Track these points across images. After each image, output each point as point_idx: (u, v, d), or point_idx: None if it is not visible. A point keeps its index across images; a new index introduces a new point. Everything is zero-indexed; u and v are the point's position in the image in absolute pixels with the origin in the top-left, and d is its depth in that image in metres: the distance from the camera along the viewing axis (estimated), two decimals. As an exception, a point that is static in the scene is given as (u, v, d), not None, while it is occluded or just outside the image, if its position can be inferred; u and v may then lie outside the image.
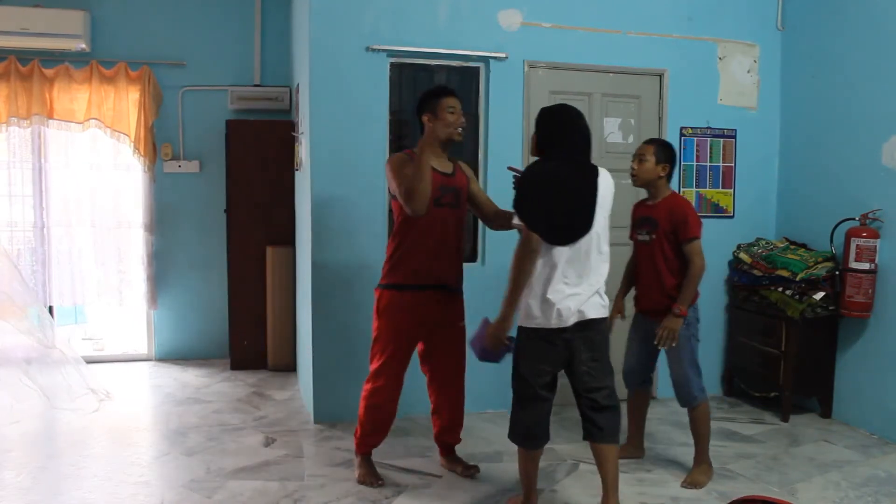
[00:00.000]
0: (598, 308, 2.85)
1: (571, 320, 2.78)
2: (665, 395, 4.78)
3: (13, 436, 3.93)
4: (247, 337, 5.42)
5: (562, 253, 2.76)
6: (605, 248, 2.87)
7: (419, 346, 3.41)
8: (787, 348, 4.35)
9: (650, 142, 3.51)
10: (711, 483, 3.46)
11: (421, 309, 3.22)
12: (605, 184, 2.86)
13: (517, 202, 2.78)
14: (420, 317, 3.24)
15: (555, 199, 2.74)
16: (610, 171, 4.67)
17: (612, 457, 2.91)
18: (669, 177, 3.47)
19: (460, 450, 3.64)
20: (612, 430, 2.90)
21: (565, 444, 3.92)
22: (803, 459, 3.80)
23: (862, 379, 4.26)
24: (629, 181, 4.59)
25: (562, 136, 2.86)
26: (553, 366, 2.87)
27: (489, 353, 2.93)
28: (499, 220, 3.36)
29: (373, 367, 3.34)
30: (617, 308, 3.60)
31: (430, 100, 3.19)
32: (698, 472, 3.46)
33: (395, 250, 3.24)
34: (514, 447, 3.27)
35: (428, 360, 3.44)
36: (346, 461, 3.65)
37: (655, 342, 3.36)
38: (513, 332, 2.93)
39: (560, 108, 2.96)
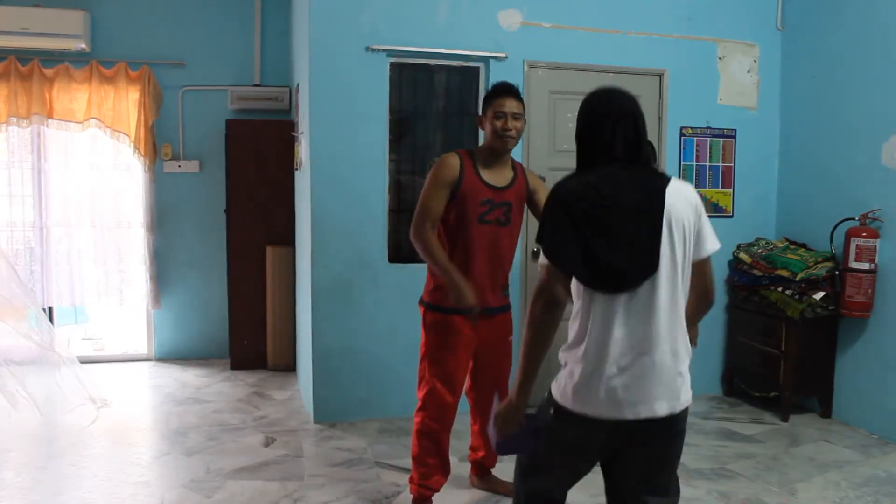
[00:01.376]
0: (674, 395, 1.87)
1: (629, 413, 1.83)
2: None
3: (13, 436, 3.92)
4: (247, 337, 5.42)
5: (612, 304, 1.82)
6: (681, 302, 1.88)
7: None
8: (787, 348, 4.36)
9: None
10: (711, 483, 3.46)
11: (471, 332, 2.92)
12: (680, 199, 1.87)
13: (539, 232, 1.92)
14: (469, 340, 2.93)
15: (597, 226, 1.82)
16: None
17: None
18: None
19: (464, 451, 3.64)
20: None
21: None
22: (803, 459, 3.80)
23: (862, 379, 4.26)
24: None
25: (600, 133, 1.94)
26: (590, 464, 1.99)
27: (506, 442, 2.05)
28: None
29: (420, 393, 2.98)
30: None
31: (487, 100, 2.89)
32: None
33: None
34: (515, 448, 3.24)
35: (473, 381, 3.09)
36: (346, 461, 3.65)
37: None
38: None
39: (600, 93, 2.06)
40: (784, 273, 4.37)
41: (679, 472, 3.41)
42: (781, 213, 4.92)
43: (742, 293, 4.71)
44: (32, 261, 5.40)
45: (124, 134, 5.37)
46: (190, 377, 5.23)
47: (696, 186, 4.79)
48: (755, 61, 4.85)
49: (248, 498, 3.22)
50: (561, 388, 1.92)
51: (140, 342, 5.82)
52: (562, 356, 1.93)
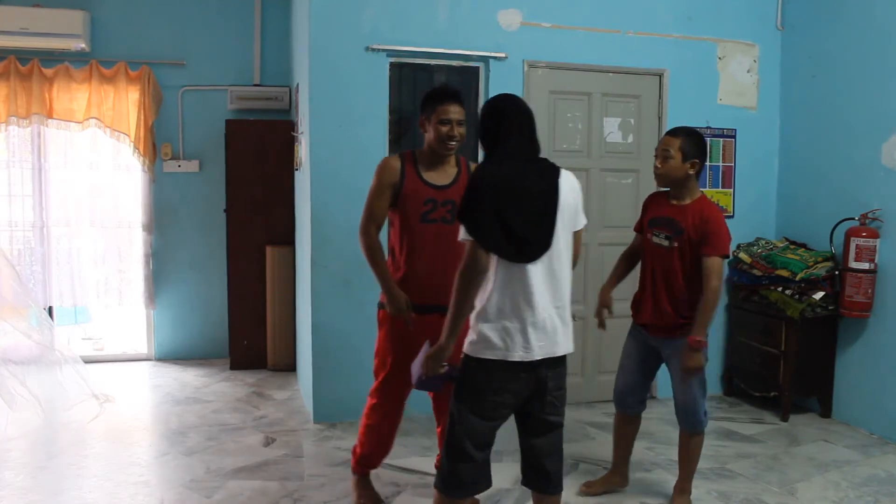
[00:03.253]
0: (567, 342, 2.39)
1: (539, 354, 2.30)
2: (664, 395, 4.79)
3: (13, 436, 3.92)
4: (247, 337, 5.42)
5: (523, 272, 2.27)
6: (569, 267, 2.41)
7: None
8: (786, 348, 4.36)
9: (675, 133, 3.00)
10: (711, 483, 3.46)
11: (421, 331, 2.87)
12: (569, 187, 2.37)
13: (462, 213, 2.28)
14: (420, 337, 2.85)
15: (511, 207, 2.26)
16: (609, 171, 4.65)
17: None
18: (699, 174, 3.01)
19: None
20: (560, 478, 2.51)
21: (565, 444, 3.91)
22: (803, 459, 3.80)
23: (862, 379, 4.26)
24: (629, 181, 4.66)
25: (509, 129, 2.35)
26: (515, 399, 2.37)
27: (427, 380, 2.48)
28: None
29: (374, 386, 3.11)
30: (603, 302, 3.19)
31: (428, 103, 2.89)
32: (680, 502, 3.18)
33: (395, 269, 2.97)
34: (514, 446, 3.24)
35: None
36: (345, 461, 3.64)
37: (681, 381, 2.99)
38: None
39: (504, 97, 2.47)
40: (784, 273, 4.37)
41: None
42: (781, 213, 4.92)
43: (742, 293, 4.71)
44: (33, 261, 5.40)
45: (124, 134, 5.37)
46: (190, 377, 5.23)
47: (696, 186, 4.79)
48: (755, 61, 4.85)
49: (247, 498, 3.22)
50: (486, 345, 2.30)
51: (140, 342, 5.82)
52: (477, 319, 2.32)
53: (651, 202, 3.20)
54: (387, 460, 3.60)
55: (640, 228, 3.22)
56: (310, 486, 3.36)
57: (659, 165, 3.00)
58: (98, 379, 4.65)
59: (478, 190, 2.26)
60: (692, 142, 2.97)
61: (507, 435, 3.95)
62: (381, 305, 3.04)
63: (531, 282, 2.27)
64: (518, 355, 2.28)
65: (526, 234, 2.26)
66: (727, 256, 2.96)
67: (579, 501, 3.26)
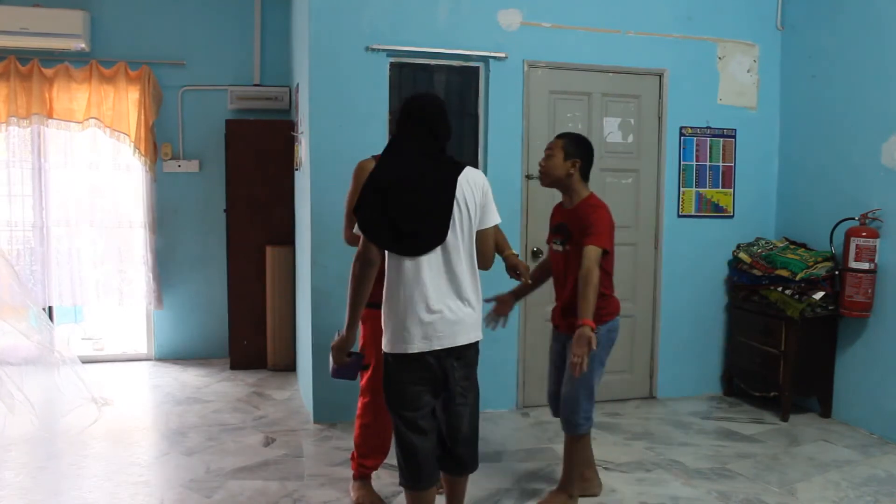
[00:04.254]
0: (470, 331, 2.46)
1: (438, 345, 2.39)
2: (664, 394, 4.80)
3: (13, 436, 3.92)
4: (247, 337, 5.42)
5: (417, 265, 2.36)
6: (470, 262, 2.45)
7: None
8: (786, 348, 4.36)
9: (560, 136, 3.12)
10: (711, 483, 3.46)
11: None
12: (470, 184, 2.42)
13: (355, 208, 2.42)
14: None
15: (398, 203, 2.35)
16: (608, 171, 4.64)
17: (463, 488, 2.67)
18: (585, 175, 3.06)
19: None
20: (473, 460, 2.61)
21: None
22: (803, 459, 3.80)
23: (862, 379, 4.26)
24: (629, 181, 4.66)
25: (409, 127, 2.46)
26: (429, 387, 2.46)
27: (338, 370, 2.60)
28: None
29: (363, 382, 3.12)
30: (499, 299, 3.17)
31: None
32: (556, 498, 3.11)
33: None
34: (514, 447, 3.28)
35: None
36: (345, 461, 3.64)
37: (569, 378, 2.95)
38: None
39: (414, 96, 2.57)
40: (784, 273, 4.37)
41: (679, 471, 3.41)
42: (781, 213, 4.92)
43: (742, 293, 4.71)
44: (33, 261, 5.40)
45: (124, 134, 5.37)
46: (190, 377, 5.23)
47: (697, 186, 4.79)
48: (755, 61, 4.85)
49: (247, 498, 3.22)
50: (392, 339, 2.42)
51: (140, 342, 5.82)
52: (384, 315, 2.45)
53: (552, 214, 3.26)
54: (386, 460, 3.60)
55: (548, 240, 3.26)
56: (310, 486, 3.36)
57: (542, 164, 3.10)
58: (97, 381, 4.63)
59: (368, 186, 2.39)
60: (575, 143, 3.07)
61: (507, 435, 3.96)
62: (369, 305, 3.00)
63: (424, 276, 2.36)
64: (417, 346, 2.38)
65: (413, 230, 2.35)
66: (605, 250, 2.92)
67: (585, 502, 3.25)
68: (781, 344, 4.38)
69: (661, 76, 4.66)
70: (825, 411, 4.46)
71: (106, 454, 3.76)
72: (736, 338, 4.78)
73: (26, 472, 3.49)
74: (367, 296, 2.46)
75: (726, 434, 4.17)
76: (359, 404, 3.16)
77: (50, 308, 5.48)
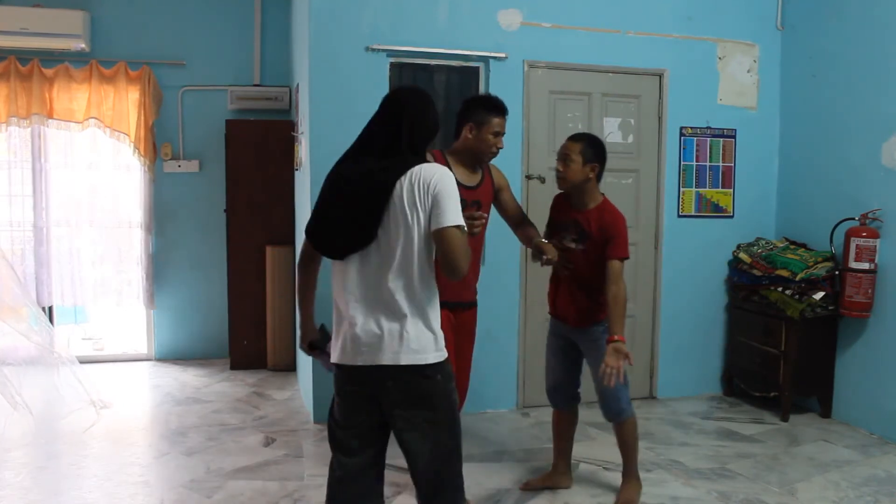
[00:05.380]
0: (397, 352, 2.08)
1: (360, 361, 2.11)
2: (664, 395, 4.80)
3: (13, 436, 3.92)
4: (247, 337, 5.42)
5: (345, 269, 2.15)
6: (404, 271, 2.08)
7: None
8: (786, 348, 4.35)
9: (576, 138, 3.09)
10: (711, 483, 3.46)
11: (450, 326, 2.96)
12: (415, 184, 2.07)
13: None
14: (447, 326, 2.84)
15: (326, 200, 2.23)
16: (608, 171, 4.62)
17: None
18: (599, 178, 3.09)
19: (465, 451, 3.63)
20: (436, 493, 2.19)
21: (565, 444, 3.93)
22: (803, 459, 3.80)
23: (862, 379, 4.26)
24: (629, 181, 4.66)
25: (371, 122, 2.25)
26: (360, 405, 2.18)
27: (319, 360, 2.48)
28: (520, 230, 3.24)
29: None
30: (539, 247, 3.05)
31: (480, 112, 2.99)
32: (629, 489, 3.20)
33: None
34: (514, 447, 3.27)
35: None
36: (345, 461, 3.65)
37: (599, 376, 2.92)
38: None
39: (389, 94, 2.33)
40: (784, 273, 4.37)
41: (679, 471, 3.39)
42: (781, 213, 4.92)
43: (742, 293, 4.71)
44: (33, 261, 5.40)
45: (124, 134, 5.37)
46: (190, 377, 5.23)
47: (697, 186, 4.79)
48: (755, 61, 4.85)
49: (248, 498, 3.22)
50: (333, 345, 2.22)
51: (140, 342, 5.82)
52: None
53: (556, 206, 3.26)
54: (387, 460, 3.60)
55: (552, 235, 3.23)
56: (310, 486, 3.36)
57: (560, 169, 3.06)
58: (96, 382, 4.61)
59: (322, 185, 2.28)
60: (592, 146, 3.05)
61: (507, 435, 3.96)
62: None
63: (350, 282, 2.14)
64: (338, 357, 2.16)
65: (332, 229, 2.18)
66: (626, 257, 3.02)
67: (585, 501, 3.25)
68: (781, 344, 4.37)
69: (661, 76, 4.66)
70: (825, 411, 4.46)
71: (106, 454, 3.76)
72: (736, 338, 4.78)
73: (26, 473, 3.49)
74: (306, 292, 2.38)
75: (726, 434, 4.17)
76: None
77: (50, 308, 5.49)
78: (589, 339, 3.12)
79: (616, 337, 2.88)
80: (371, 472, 2.22)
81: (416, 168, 2.10)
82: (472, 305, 3.23)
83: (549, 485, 3.35)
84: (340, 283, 2.16)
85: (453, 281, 2.17)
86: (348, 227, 2.13)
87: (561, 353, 3.26)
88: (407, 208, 2.07)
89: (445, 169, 2.15)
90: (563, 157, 3.04)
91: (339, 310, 2.18)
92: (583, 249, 3.05)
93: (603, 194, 3.14)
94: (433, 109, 2.25)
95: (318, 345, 2.42)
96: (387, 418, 2.15)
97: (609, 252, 2.97)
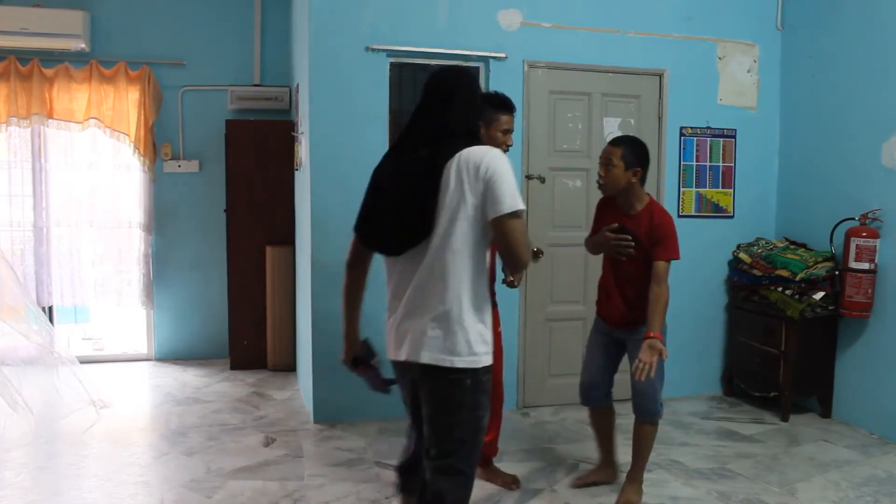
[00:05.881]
0: (434, 351, 1.99)
1: (402, 356, 2.08)
2: (664, 394, 4.77)
3: (13, 436, 3.92)
4: (247, 337, 5.42)
5: (395, 263, 2.09)
6: (456, 266, 1.97)
7: None
8: (786, 348, 4.35)
9: (617, 142, 3.07)
10: (711, 483, 3.46)
11: None
12: (461, 168, 1.96)
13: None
14: None
15: (374, 194, 2.17)
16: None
17: None
18: (643, 180, 3.09)
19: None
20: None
21: (565, 445, 3.93)
22: (803, 459, 3.80)
23: (862, 379, 4.26)
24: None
25: (415, 111, 2.16)
26: (407, 396, 2.23)
27: (368, 383, 2.37)
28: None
29: None
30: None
31: (488, 110, 2.95)
32: (631, 491, 3.21)
33: None
34: (514, 447, 3.26)
35: None
36: (346, 461, 3.65)
37: (633, 371, 2.92)
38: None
39: (431, 75, 2.19)
40: (784, 273, 4.37)
41: (679, 471, 3.38)
42: (781, 213, 4.92)
43: (742, 293, 4.71)
44: (34, 261, 5.40)
45: (124, 134, 5.37)
46: (190, 377, 5.23)
47: (697, 186, 4.79)
48: (755, 61, 4.85)
49: (248, 498, 3.22)
50: None
51: (140, 342, 5.82)
52: None
53: (606, 210, 3.23)
54: (387, 460, 3.61)
55: (596, 232, 3.24)
56: (310, 486, 3.36)
57: (602, 174, 3.06)
58: (96, 382, 4.61)
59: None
60: (634, 150, 3.03)
61: (507, 435, 3.96)
62: None
63: (397, 277, 2.09)
64: (388, 351, 2.17)
65: (389, 224, 2.07)
66: (676, 259, 3.02)
67: (585, 501, 3.25)
68: (781, 344, 4.37)
69: (661, 76, 4.66)
70: (825, 411, 4.46)
71: (106, 454, 3.76)
72: (736, 338, 4.78)
73: (26, 473, 3.49)
74: (353, 298, 2.27)
75: (726, 434, 4.17)
76: None
77: (50, 308, 5.49)
78: (636, 340, 3.09)
79: (653, 334, 2.89)
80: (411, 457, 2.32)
81: (464, 151, 1.96)
82: (494, 305, 3.18)
83: (596, 480, 3.41)
84: (390, 279, 2.13)
85: (516, 272, 2.21)
86: (402, 220, 2.01)
87: (603, 349, 3.26)
88: (455, 195, 1.94)
89: (496, 150, 2.01)
90: (605, 162, 3.03)
91: (388, 305, 2.16)
92: (634, 255, 3.04)
93: (649, 195, 3.15)
94: (479, 87, 2.19)
95: (362, 360, 2.30)
96: (423, 416, 2.13)
97: (657, 253, 2.98)
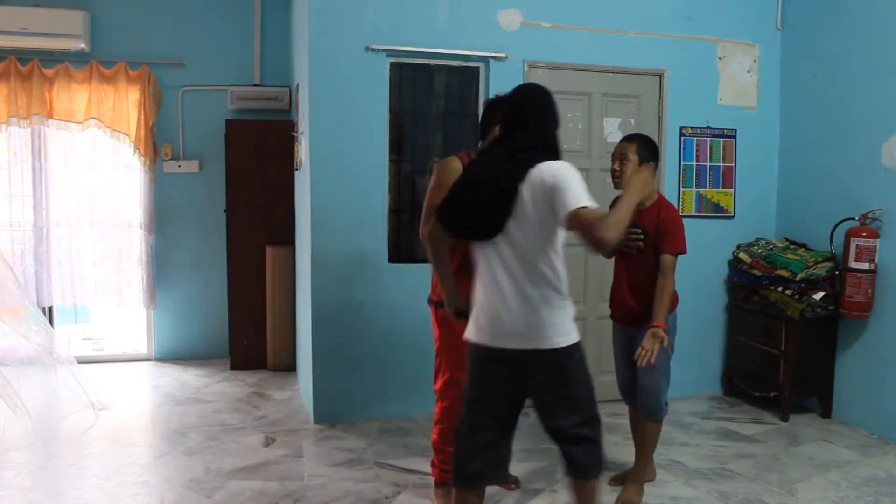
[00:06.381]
0: (535, 336, 2.30)
1: (504, 343, 2.32)
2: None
3: (13, 437, 3.92)
4: (247, 337, 5.42)
5: (484, 252, 2.37)
6: (546, 259, 2.29)
7: None
8: (786, 348, 4.36)
9: (630, 139, 3.17)
10: (711, 483, 3.46)
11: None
12: (534, 181, 2.28)
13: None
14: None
15: (459, 193, 2.44)
16: (608, 171, 4.64)
17: (591, 493, 2.45)
18: (654, 176, 3.16)
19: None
20: (590, 465, 2.41)
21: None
22: (803, 459, 3.80)
23: (862, 379, 4.26)
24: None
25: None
26: (492, 387, 2.39)
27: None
28: None
29: (437, 386, 3.09)
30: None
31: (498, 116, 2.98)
32: (632, 490, 3.24)
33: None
34: (515, 447, 3.19)
35: None
36: (346, 461, 3.65)
37: (634, 358, 3.00)
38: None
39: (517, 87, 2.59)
40: (784, 273, 4.37)
41: (679, 471, 3.40)
42: (781, 213, 4.92)
43: (742, 293, 4.71)
44: (34, 261, 5.40)
45: (124, 134, 5.37)
46: (190, 377, 5.23)
47: (697, 186, 4.80)
48: (755, 61, 4.85)
49: (248, 498, 3.22)
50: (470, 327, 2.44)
51: (140, 342, 5.82)
52: None
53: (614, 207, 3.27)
54: (387, 460, 3.61)
55: None
56: (310, 486, 3.36)
57: (617, 168, 3.12)
58: (95, 383, 4.60)
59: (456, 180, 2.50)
60: (647, 146, 3.13)
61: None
62: (438, 304, 3.04)
63: (488, 268, 2.36)
64: (475, 336, 2.39)
65: (466, 220, 2.40)
66: (682, 252, 3.11)
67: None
68: (781, 344, 4.37)
69: (661, 76, 4.66)
70: (825, 411, 4.46)
71: (106, 454, 3.76)
72: (736, 338, 4.78)
73: (26, 473, 3.49)
74: (446, 266, 2.61)
75: (726, 434, 4.17)
76: (437, 408, 3.09)
77: (50, 308, 5.49)
78: (635, 337, 3.17)
79: (656, 323, 2.97)
80: (499, 443, 2.44)
81: (536, 169, 2.28)
82: None
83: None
84: (481, 267, 2.39)
85: (604, 255, 2.66)
86: (476, 220, 2.36)
87: (628, 354, 3.27)
88: (531, 207, 2.27)
89: (562, 163, 2.31)
90: (621, 156, 3.10)
91: (477, 291, 2.39)
92: (642, 249, 3.12)
93: (658, 192, 3.24)
94: (555, 104, 2.49)
95: (463, 314, 2.60)
96: (529, 395, 2.38)
97: (663, 246, 3.07)
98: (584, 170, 4.51)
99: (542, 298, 2.30)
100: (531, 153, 2.34)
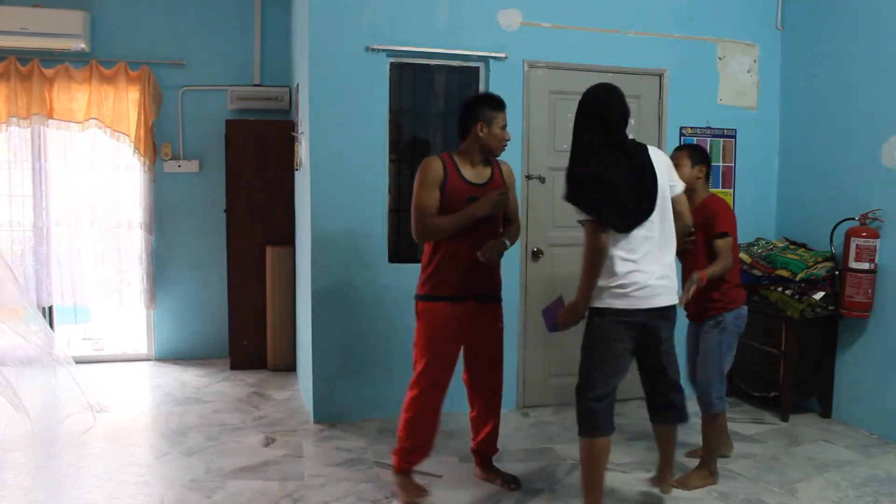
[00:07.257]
0: (671, 293, 2.89)
1: (650, 303, 2.83)
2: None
3: (13, 436, 3.92)
4: (247, 337, 5.42)
5: (631, 237, 2.80)
6: (671, 233, 2.89)
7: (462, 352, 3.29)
8: (786, 348, 4.35)
9: (681, 148, 3.61)
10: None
11: (457, 318, 3.13)
12: (662, 167, 2.89)
13: (582, 200, 2.81)
14: (456, 325, 3.14)
15: (611, 192, 2.79)
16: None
17: (675, 436, 3.15)
18: (707, 177, 3.55)
19: (464, 451, 3.64)
20: (685, 411, 3.09)
21: (565, 444, 3.92)
22: (803, 459, 3.80)
23: (862, 379, 4.26)
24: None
25: (585, 121, 2.98)
26: (631, 345, 2.89)
27: (560, 327, 3.03)
28: (506, 234, 3.26)
29: (413, 376, 3.21)
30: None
31: (486, 110, 3.12)
32: (696, 475, 3.40)
33: (429, 261, 3.15)
34: (514, 447, 3.25)
35: (467, 366, 3.32)
36: (346, 461, 3.65)
37: (702, 362, 3.43)
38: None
39: (587, 91, 3.07)
40: (784, 273, 4.37)
41: (679, 471, 3.40)
42: (781, 213, 4.92)
43: (742, 293, 4.70)
44: (34, 261, 5.40)
45: (124, 134, 5.37)
46: (190, 377, 5.23)
47: (696, 186, 4.79)
48: (755, 61, 4.85)
49: (248, 498, 3.22)
50: (606, 298, 2.84)
51: (140, 342, 5.82)
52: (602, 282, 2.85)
53: None
54: (387, 460, 3.60)
55: None
56: (310, 486, 3.36)
57: None
58: (94, 384, 4.58)
59: (577, 182, 2.86)
60: (697, 151, 3.56)
61: (507, 434, 3.96)
62: (419, 297, 3.20)
63: (638, 247, 2.81)
64: (627, 304, 2.82)
65: (627, 211, 2.80)
66: (725, 231, 3.39)
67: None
68: (781, 344, 4.37)
69: (661, 76, 4.66)
70: (825, 411, 4.46)
71: (106, 454, 3.76)
72: (736, 338, 4.77)
73: (26, 473, 3.49)
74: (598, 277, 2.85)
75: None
76: (407, 397, 3.19)
77: (50, 308, 5.49)
78: (702, 332, 3.48)
79: (704, 273, 3.28)
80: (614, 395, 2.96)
81: (653, 152, 2.87)
82: (494, 300, 3.27)
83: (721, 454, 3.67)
84: (628, 248, 2.78)
85: (687, 237, 3.13)
86: (636, 208, 2.78)
87: (694, 348, 3.60)
88: (666, 189, 2.87)
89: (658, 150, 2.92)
90: (675, 164, 3.27)
91: (622, 270, 2.79)
92: (696, 244, 3.39)
93: (711, 192, 3.55)
94: None
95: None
96: (654, 346, 2.89)
97: (714, 232, 3.37)
98: (584, 170, 4.51)
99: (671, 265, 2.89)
100: (633, 141, 2.88)
